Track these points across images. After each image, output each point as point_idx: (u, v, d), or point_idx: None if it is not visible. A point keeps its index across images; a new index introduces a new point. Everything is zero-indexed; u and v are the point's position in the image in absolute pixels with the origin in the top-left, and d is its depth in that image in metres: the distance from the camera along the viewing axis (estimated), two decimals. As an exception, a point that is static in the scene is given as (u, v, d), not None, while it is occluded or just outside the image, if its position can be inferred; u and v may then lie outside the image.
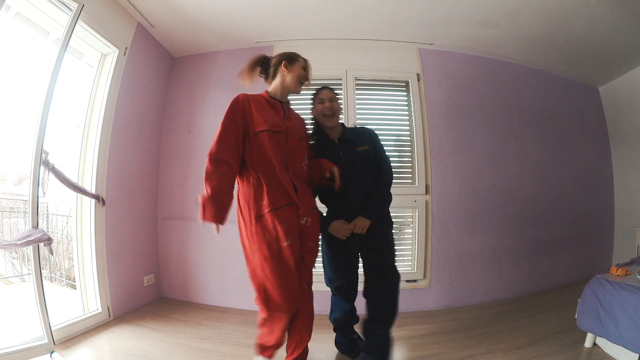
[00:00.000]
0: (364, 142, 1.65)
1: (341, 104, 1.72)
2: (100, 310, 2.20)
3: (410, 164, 2.69)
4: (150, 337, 2.02)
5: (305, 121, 1.66)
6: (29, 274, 2.08)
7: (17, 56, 2.61)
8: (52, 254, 2.15)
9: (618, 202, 3.32)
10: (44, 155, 1.83)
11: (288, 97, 1.58)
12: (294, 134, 1.49)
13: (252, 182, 1.41)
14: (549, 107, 3.09)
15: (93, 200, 2.21)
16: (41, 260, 1.83)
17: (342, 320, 1.76)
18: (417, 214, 2.61)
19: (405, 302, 2.55)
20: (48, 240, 1.81)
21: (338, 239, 1.60)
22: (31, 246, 1.76)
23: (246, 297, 2.36)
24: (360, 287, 1.71)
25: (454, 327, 2.18)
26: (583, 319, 1.76)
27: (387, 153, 1.71)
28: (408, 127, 2.73)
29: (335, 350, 1.85)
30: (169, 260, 2.79)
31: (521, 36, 2.60)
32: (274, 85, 1.54)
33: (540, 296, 2.73)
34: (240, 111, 1.40)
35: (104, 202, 2.26)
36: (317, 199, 1.69)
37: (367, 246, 1.61)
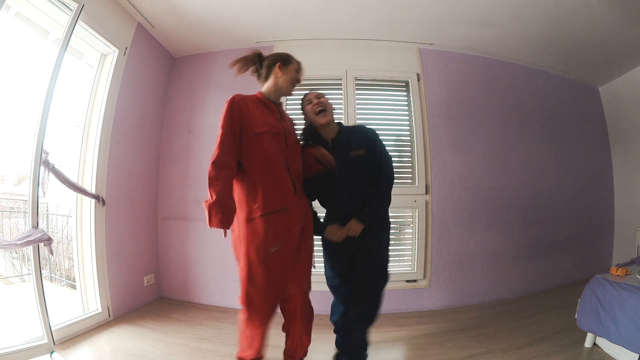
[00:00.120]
0: (360, 145, 1.58)
1: (331, 102, 1.65)
2: (100, 310, 2.20)
3: (410, 164, 2.69)
4: (150, 337, 2.02)
5: (296, 123, 1.65)
6: (29, 274, 2.08)
7: (17, 56, 2.61)
8: (52, 254, 2.15)
9: (618, 202, 3.32)
10: (44, 155, 1.83)
11: (280, 99, 1.58)
12: (291, 135, 1.51)
13: (247, 184, 1.40)
14: (549, 107, 3.09)
15: (93, 200, 2.21)
16: (41, 260, 1.83)
17: (340, 323, 1.74)
18: (417, 214, 2.61)
19: (405, 302, 2.56)
20: (48, 240, 1.81)
21: None
22: (31, 246, 1.76)
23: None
24: None
25: (454, 327, 2.18)
26: (583, 319, 1.76)
27: (388, 151, 1.64)
28: (408, 127, 2.73)
29: (335, 351, 1.85)
30: (169, 260, 2.79)
31: (521, 36, 2.60)
32: (267, 87, 1.52)
33: (540, 296, 2.73)
34: (238, 111, 1.38)
35: (104, 202, 2.26)
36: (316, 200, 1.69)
37: (357, 246, 1.60)
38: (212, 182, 1.30)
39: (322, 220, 1.69)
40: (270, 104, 1.50)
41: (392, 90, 2.82)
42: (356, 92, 2.70)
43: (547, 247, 2.94)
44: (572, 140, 3.18)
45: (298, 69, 1.54)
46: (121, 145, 2.41)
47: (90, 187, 2.22)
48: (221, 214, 1.29)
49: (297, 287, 1.50)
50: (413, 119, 2.68)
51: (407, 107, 2.75)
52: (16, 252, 3.44)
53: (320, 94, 1.64)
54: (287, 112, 1.68)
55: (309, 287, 1.57)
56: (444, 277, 2.62)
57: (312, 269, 1.59)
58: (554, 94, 3.15)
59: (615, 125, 3.33)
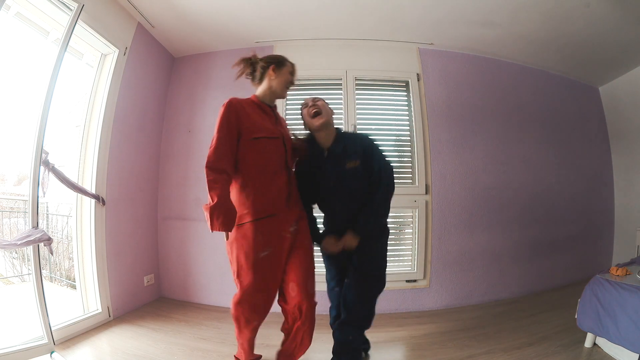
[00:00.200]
0: (356, 155, 1.53)
1: (330, 107, 1.61)
2: (100, 310, 2.20)
3: (410, 164, 2.69)
4: (150, 337, 2.02)
5: (290, 127, 1.66)
6: (29, 274, 2.08)
7: (17, 56, 2.60)
8: (52, 254, 2.15)
9: (618, 202, 3.32)
10: (44, 155, 1.83)
11: (275, 102, 1.57)
12: (287, 139, 1.51)
13: (238, 189, 1.40)
14: (549, 107, 3.09)
15: (93, 200, 2.21)
16: (41, 260, 1.83)
17: (335, 327, 1.68)
18: (417, 214, 2.61)
19: (405, 302, 2.56)
20: (48, 240, 1.81)
21: None
22: (31, 246, 1.76)
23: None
24: None
25: (454, 327, 2.18)
26: (583, 319, 1.76)
27: (387, 159, 1.58)
28: (408, 127, 2.73)
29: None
30: (169, 260, 2.79)
31: (521, 36, 2.60)
32: (262, 90, 1.51)
33: (540, 296, 2.73)
34: (235, 115, 1.37)
35: (104, 202, 2.26)
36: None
37: (353, 252, 1.58)
38: (212, 185, 1.29)
39: (321, 223, 1.70)
40: (266, 108, 1.49)
41: (392, 90, 2.82)
42: (356, 92, 2.70)
43: (547, 247, 2.93)
44: (572, 140, 3.18)
45: (292, 71, 1.54)
46: (121, 145, 2.41)
47: (90, 187, 2.22)
48: (223, 217, 1.27)
49: (298, 288, 1.45)
50: (413, 119, 2.68)
51: (407, 107, 2.75)
52: (16, 252, 3.44)
53: (318, 98, 1.62)
54: (284, 116, 1.67)
55: (313, 288, 1.51)
56: (444, 277, 2.62)
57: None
58: (554, 94, 3.15)
59: (615, 125, 3.33)
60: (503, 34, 2.58)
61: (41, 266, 1.82)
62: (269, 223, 1.40)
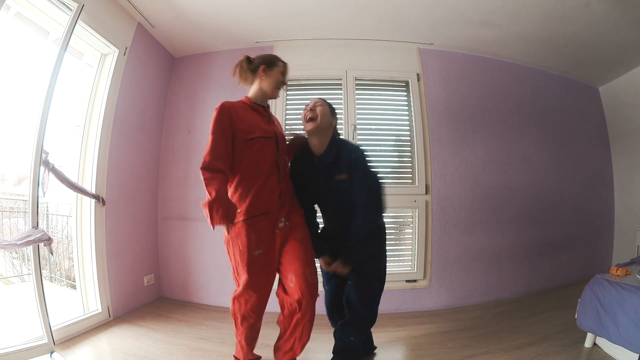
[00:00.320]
0: (344, 168, 1.46)
1: (329, 114, 1.54)
2: (100, 310, 2.20)
3: (410, 164, 2.69)
4: (150, 337, 2.02)
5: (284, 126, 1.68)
6: (29, 274, 2.08)
7: (17, 56, 2.60)
8: (52, 254, 2.15)
9: (618, 202, 3.32)
10: (44, 155, 1.83)
11: (268, 102, 1.58)
12: (282, 138, 1.53)
13: (234, 188, 1.43)
14: (549, 107, 3.09)
15: (93, 200, 2.21)
16: (41, 260, 1.83)
17: (337, 327, 1.68)
18: (417, 214, 2.61)
19: (405, 302, 2.56)
20: (48, 240, 1.81)
21: None
22: (31, 246, 1.76)
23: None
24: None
25: (454, 327, 2.18)
26: (583, 319, 1.76)
27: (373, 175, 1.48)
28: (408, 127, 2.72)
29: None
30: (169, 260, 2.79)
31: (521, 36, 2.59)
32: (253, 90, 1.52)
33: (540, 296, 2.73)
34: (228, 118, 1.38)
35: (104, 202, 2.26)
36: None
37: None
38: (209, 181, 1.30)
39: (321, 225, 1.70)
40: (259, 108, 1.50)
41: (392, 90, 2.82)
42: (356, 92, 2.70)
43: (547, 247, 2.93)
44: (572, 140, 3.17)
45: (283, 71, 1.54)
46: (121, 145, 2.41)
47: (90, 187, 2.22)
48: (223, 210, 1.28)
49: (296, 278, 1.41)
50: (413, 119, 2.68)
51: (407, 107, 2.75)
52: (16, 252, 3.44)
53: (322, 102, 1.56)
54: (284, 115, 1.68)
55: (314, 277, 1.46)
56: (444, 277, 2.62)
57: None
58: (554, 94, 3.15)
59: (615, 125, 3.33)
60: (503, 34, 2.58)
61: (41, 266, 1.82)
62: (261, 221, 1.42)
